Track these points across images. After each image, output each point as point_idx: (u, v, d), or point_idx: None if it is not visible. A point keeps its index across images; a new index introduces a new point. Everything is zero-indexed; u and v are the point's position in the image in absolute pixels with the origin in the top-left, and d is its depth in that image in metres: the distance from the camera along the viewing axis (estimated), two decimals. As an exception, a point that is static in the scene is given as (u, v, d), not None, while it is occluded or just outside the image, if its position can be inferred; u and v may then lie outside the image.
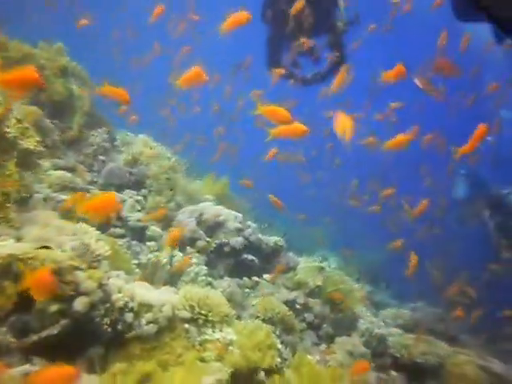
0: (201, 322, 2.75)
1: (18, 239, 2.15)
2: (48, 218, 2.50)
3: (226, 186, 5.31)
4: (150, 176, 4.34)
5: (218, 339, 2.68)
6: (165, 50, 8.42)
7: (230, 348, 2.66)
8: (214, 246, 3.98)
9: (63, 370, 1.52)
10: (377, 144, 4.67)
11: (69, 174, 3.67)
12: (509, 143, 6.93)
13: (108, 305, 2.24)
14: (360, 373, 2.94)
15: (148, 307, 2.45)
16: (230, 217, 4.17)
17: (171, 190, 4.33)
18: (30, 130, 2.69)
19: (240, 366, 2.58)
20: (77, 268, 2.14)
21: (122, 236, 3.72)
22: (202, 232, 4.02)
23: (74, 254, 2.20)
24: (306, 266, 4.35)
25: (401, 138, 3.07)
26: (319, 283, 4.14)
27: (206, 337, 2.68)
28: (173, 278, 3.48)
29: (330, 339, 3.91)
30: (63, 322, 2.05)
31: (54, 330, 2.02)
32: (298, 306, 3.94)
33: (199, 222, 4.10)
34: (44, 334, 2.00)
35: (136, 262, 3.47)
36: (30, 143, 2.63)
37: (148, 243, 3.79)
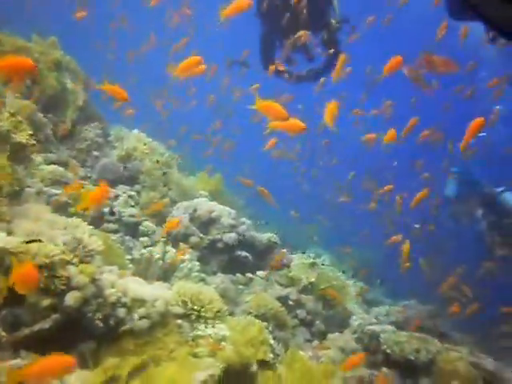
0: (193, 317, 2.75)
1: (9, 233, 2.13)
2: (40, 212, 2.48)
3: (220, 181, 5.30)
4: (144, 171, 4.33)
5: (210, 335, 2.67)
6: (160, 42, 8.39)
7: (223, 343, 2.66)
8: (208, 242, 3.98)
9: (60, 358, 1.52)
10: (375, 139, 4.67)
11: (61, 169, 3.65)
12: (503, 141, 6.97)
13: (100, 300, 2.23)
14: (355, 364, 2.94)
15: (141, 302, 2.44)
16: (224, 213, 4.17)
17: (165, 185, 4.33)
18: (23, 123, 2.67)
19: (233, 361, 2.58)
20: (69, 262, 2.13)
21: (115, 231, 3.72)
22: (195, 228, 4.02)
23: (66, 249, 2.19)
24: (299, 262, 4.36)
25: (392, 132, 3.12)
26: (312, 280, 4.15)
27: (199, 332, 2.67)
28: (166, 274, 3.48)
29: (322, 336, 3.92)
30: (55, 316, 2.05)
31: (45, 325, 2.01)
32: (290, 303, 3.94)
33: (192, 218, 4.10)
34: (36, 328, 1.99)
35: (129, 257, 3.47)
36: (23, 137, 2.60)
37: (141, 239, 3.78)
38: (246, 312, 3.45)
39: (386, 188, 5.27)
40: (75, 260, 2.19)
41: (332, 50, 4.62)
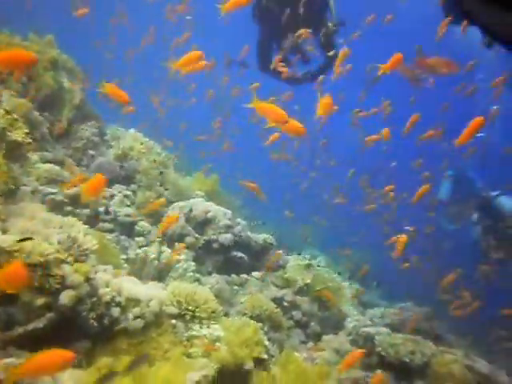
0: (188, 317, 2.74)
1: (4, 231, 2.13)
2: (35, 210, 2.47)
3: (217, 182, 5.29)
4: (141, 171, 4.32)
5: (205, 335, 2.67)
6: (160, 38, 8.36)
7: (217, 344, 2.65)
8: (203, 242, 3.98)
9: (59, 353, 1.51)
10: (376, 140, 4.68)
11: (57, 168, 3.64)
12: (500, 144, 6.97)
13: (95, 299, 2.23)
14: (357, 357, 2.92)
15: (135, 302, 2.44)
16: (220, 213, 4.16)
17: (161, 185, 4.32)
18: (19, 121, 2.66)
19: (227, 362, 2.58)
20: (63, 261, 2.13)
21: (110, 231, 3.71)
22: (190, 228, 4.01)
23: (61, 247, 2.18)
24: (295, 263, 4.36)
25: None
26: (308, 281, 4.15)
27: (193, 333, 2.67)
28: (161, 274, 3.47)
29: (317, 337, 3.92)
30: (49, 315, 2.04)
31: (39, 324, 2.00)
32: (285, 304, 3.94)
33: (188, 219, 4.09)
34: (30, 327, 1.98)
35: (124, 256, 3.46)
36: (19, 135, 2.59)
37: (137, 238, 3.77)
38: (241, 313, 3.44)
39: (386, 189, 5.27)
40: (70, 259, 2.19)
41: (330, 53, 4.62)
